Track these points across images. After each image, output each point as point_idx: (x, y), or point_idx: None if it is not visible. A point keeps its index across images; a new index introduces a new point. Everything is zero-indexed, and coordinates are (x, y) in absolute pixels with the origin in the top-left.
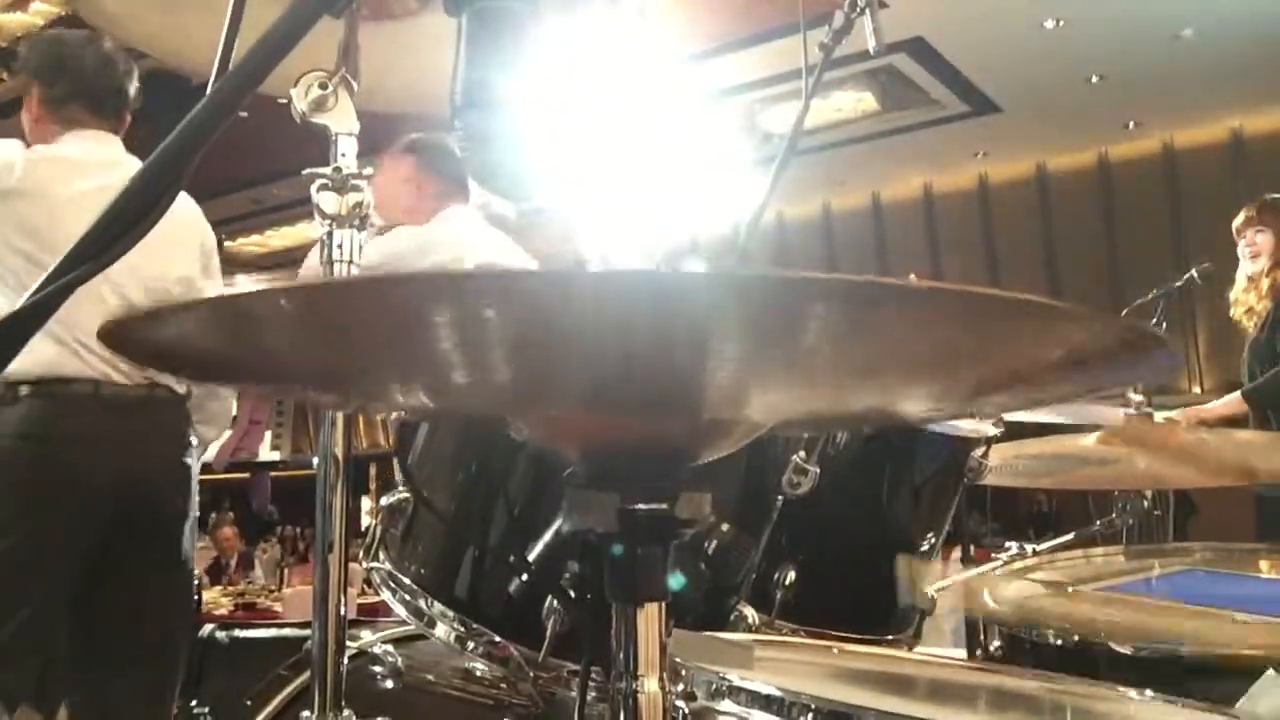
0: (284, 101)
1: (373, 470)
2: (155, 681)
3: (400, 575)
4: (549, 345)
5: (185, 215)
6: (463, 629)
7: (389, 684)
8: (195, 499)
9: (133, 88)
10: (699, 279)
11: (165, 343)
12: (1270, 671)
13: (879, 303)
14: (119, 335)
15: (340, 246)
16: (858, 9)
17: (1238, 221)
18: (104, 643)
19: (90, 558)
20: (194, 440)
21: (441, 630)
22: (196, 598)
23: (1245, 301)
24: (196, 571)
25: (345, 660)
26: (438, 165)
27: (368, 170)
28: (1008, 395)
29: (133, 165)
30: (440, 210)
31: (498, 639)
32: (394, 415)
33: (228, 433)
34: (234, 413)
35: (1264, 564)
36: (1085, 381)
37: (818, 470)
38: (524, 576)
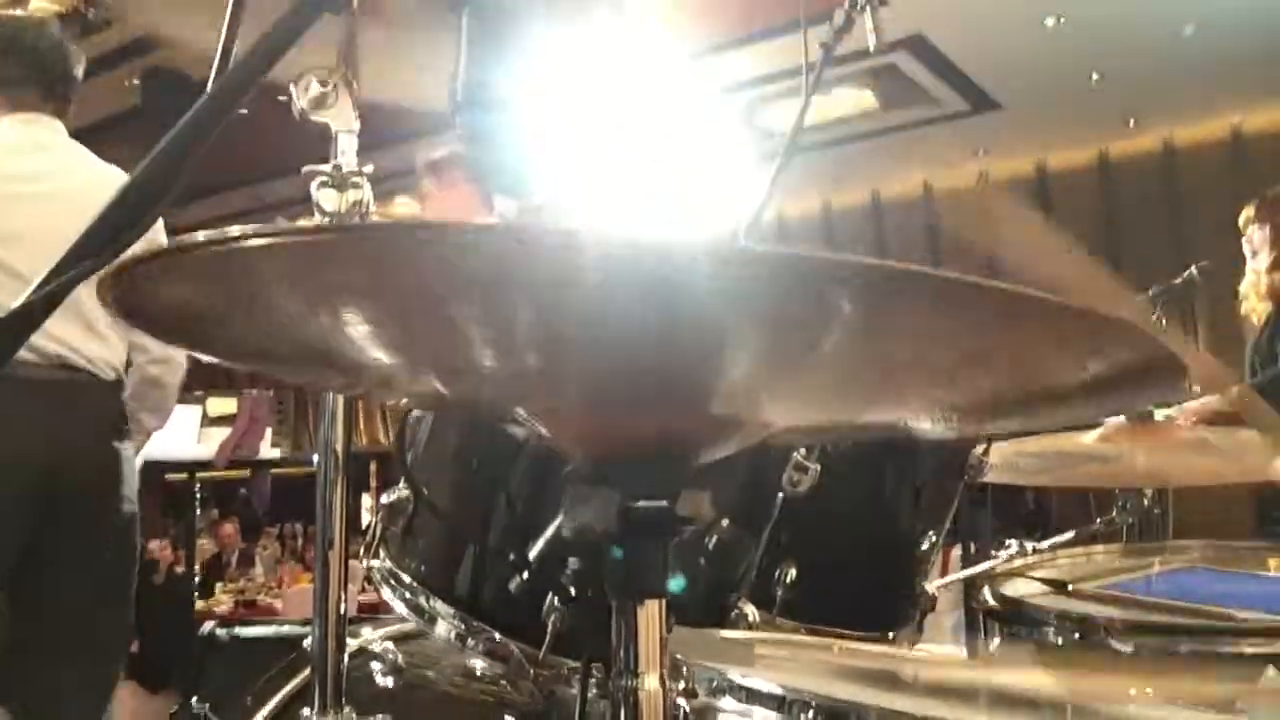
0: (284, 99)
1: (373, 467)
2: (93, 675)
3: (400, 573)
4: (559, 306)
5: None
6: (463, 626)
7: (389, 681)
8: (131, 488)
9: (79, 72)
10: (713, 254)
11: (167, 301)
12: (1270, 670)
13: (905, 292)
14: (115, 293)
15: None
16: (858, 7)
17: (1241, 220)
18: (37, 636)
19: (21, 546)
20: (131, 427)
21: (442, 628)
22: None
23: (1249, 299)
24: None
25: (345, 658)
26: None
27: (367, 167)
28: (1023, 415)
29: (68, 149)
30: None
31: (498, 636)
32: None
33: (223, 429)
34: (175, 401)
35: (1265, 562)
36: (1102, 400)
37: (818, 468)
38: (524, 574)
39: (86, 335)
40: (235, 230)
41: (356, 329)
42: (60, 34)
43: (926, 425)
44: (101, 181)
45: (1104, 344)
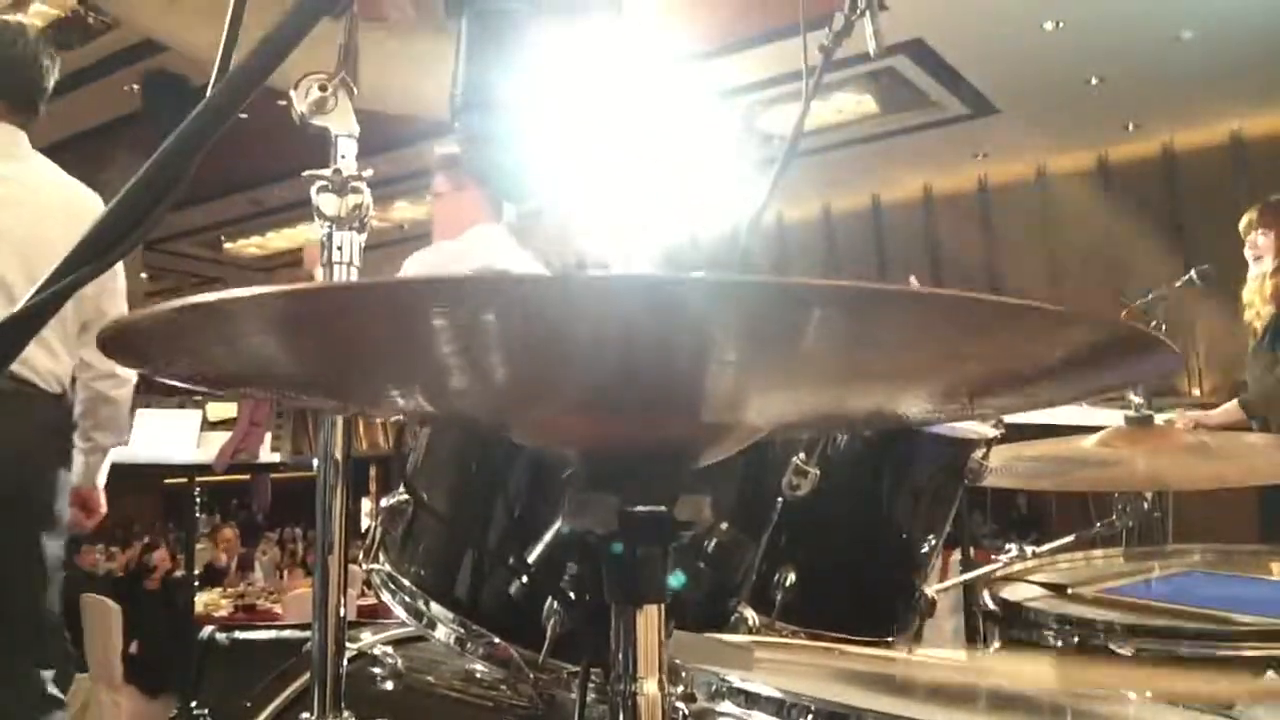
0: (284, 103)
1: (373, 471)
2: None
3: (400, 577)
4: (548, 349)
5: (74, 203)
6: (462, 630)
7: (389, 686)
8: (64, 503)
9: (51, 83)
10: (698, 285)
11: (159, 348)
12: (1271, 673)
13: (878, 309)
14: (112, 340)
15: (340, 249)
16: (858, 11)
17: (1242, 225)
18: None
19: None
20: (84, 446)
21: (441, 632)
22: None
23: (1254, 305)
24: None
25: (345, 662)
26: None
27: (367, 172)
28: (1008, 397)
29: (31, 156)
30: (475, 223)
31: (497, 640)
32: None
33: (229, 438)
34: (127, 416)
35: (1265, 566)
36: (1086, 382)
37: (818, 472)
38: (524, 578)
39: (35, 346)
40: (229, 295)
41: (345, 366)
42: (39, 44)
43: (911, 413)
44: (65, 190)
45: (1063, 332)
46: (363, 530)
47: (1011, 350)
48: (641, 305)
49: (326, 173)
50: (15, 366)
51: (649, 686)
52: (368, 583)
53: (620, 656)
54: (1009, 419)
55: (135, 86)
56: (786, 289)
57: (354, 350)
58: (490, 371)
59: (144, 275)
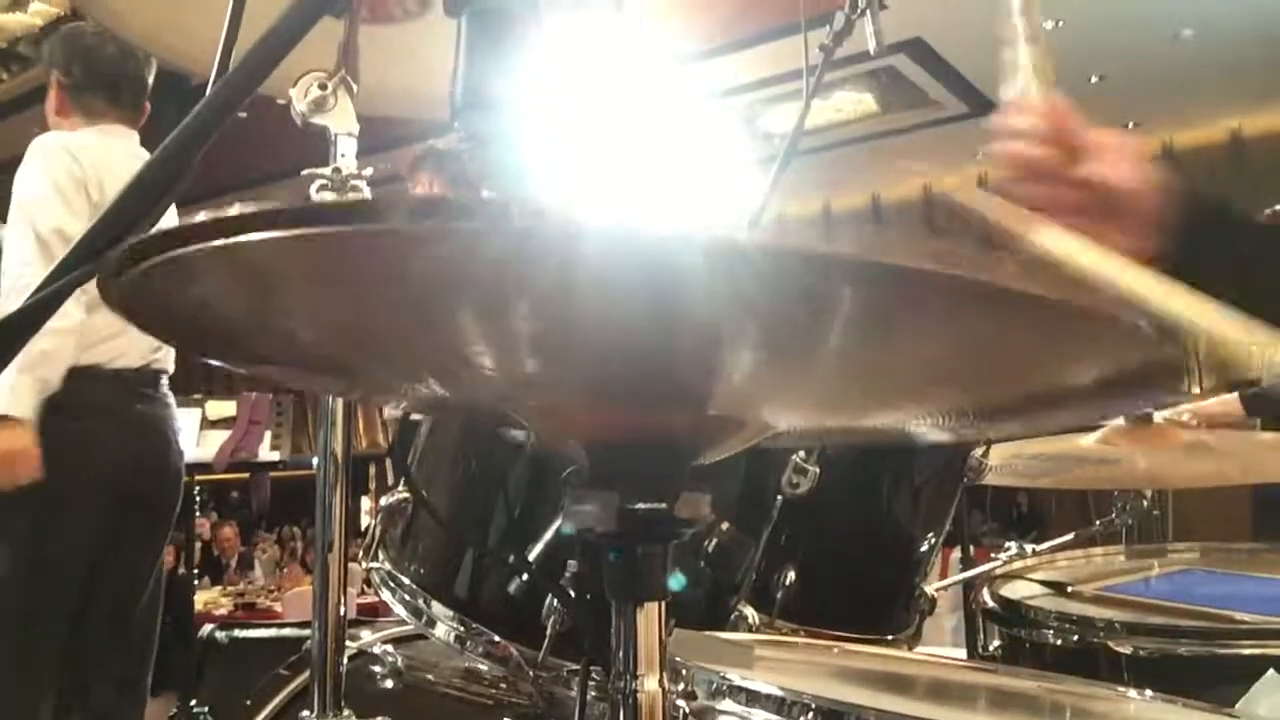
0: (283, 102)
1: (372, 470)
2: (134, 675)
3: (400, 575)
4: (553, 305)
5: None
6: (462, 629)
7: (389, 684)
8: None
9: (150, 77)
10: (713, 247)
11: (167, 301)
12: (1270, 672)
13: (907, 288)
14: (115, 291)
15: None
16: (858, 10)
17: None
18: (95, 635)
19: (94, 545)
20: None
21: (441, 630)
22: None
23: None
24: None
25: (345, 660)
26: (447, 172)
27: (367, 171)
28: (1024, 419)
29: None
30: None
31: (497, 639)
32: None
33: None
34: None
35: (1264, 564)
36: (1103, 402)
37: (817, 470)
38: (523, 576)
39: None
40: (234, 210)
41: (353, 330)
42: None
43: (926, 430)
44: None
45: (1108, 343)
46: (362, 528)
47: (1041, 355)
48: (647, 263)
49: (326, 171)
50: (158, 358)
51: (650, 684)
52: (368, 581)
53: (621, 654)
54: None
55: None
56: (811, 259)
57: (376, 301)
58: (501, 330)
59: None
